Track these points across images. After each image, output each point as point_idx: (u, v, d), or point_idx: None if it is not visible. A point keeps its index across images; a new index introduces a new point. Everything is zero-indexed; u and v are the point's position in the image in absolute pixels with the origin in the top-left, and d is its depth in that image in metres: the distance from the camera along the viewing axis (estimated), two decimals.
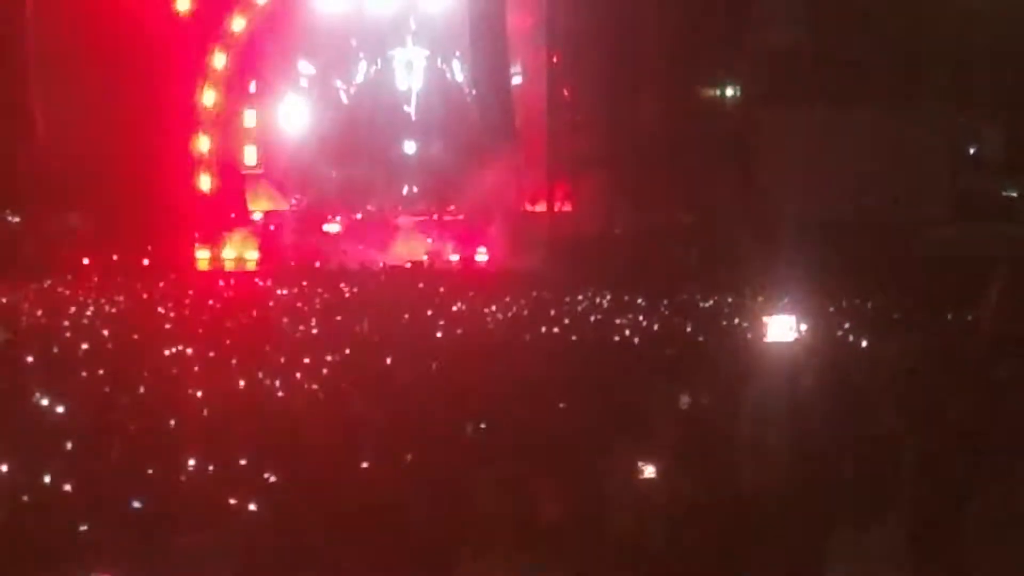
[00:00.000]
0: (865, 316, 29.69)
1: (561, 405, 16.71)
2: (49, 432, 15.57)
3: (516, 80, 48.99)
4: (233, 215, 49.66)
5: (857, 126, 42.95)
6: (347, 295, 37.29)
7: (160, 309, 32.61)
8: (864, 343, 24.48)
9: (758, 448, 13.97)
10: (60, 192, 46.11)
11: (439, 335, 26.64)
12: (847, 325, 27.34)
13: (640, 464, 12.96)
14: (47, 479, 13.21)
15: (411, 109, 51.05)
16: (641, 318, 30.17)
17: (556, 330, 27.93)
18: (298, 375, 20.16)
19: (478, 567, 11.01)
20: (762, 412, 15.22)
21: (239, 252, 48.97)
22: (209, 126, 48.99)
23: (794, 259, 32.38)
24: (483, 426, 15.31)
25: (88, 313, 31.30)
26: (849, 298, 32.02)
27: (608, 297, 34.74)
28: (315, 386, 19.35)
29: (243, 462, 13.76)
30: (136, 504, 12.27)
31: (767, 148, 44.04)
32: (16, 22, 46.39)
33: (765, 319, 22.88)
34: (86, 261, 45.64)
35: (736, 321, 28.83)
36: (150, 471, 13.52)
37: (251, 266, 48.09)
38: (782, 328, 22.35)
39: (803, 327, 22.82)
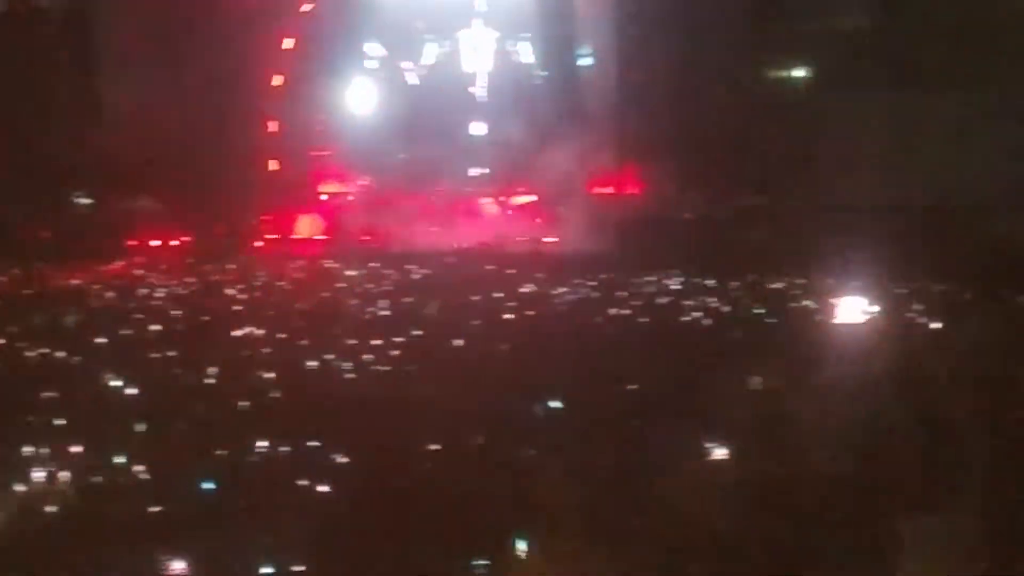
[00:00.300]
0: (934, 299, 29.40)
1: (631, 387, 16.68)
2: (119, 412, 15.67)
3: (585, 62, 48.89)
4: (302, 197, 49.83)
5: (927, 110, 42.57)
6: (416, 276, 37.29)
7: (229, 291, 32.73)
8: (934, 325, 24.24)
9: (827, 428, 13.93)
10: (131, 175, 46.41)
11: (509, 316, 26.60)
12: (917, 307, 27.08)
13: (709, 445, 12.96)
14: (118, 460, 13.30)
15: (479, 91, 51.03)
16: (711, 300, 30.02)
17: (626, 311, 27.85)
18: (368, 356, 20.20)
19: (547, 547, 11.02)
20: (832, 392, 15.18)
21: (308, 233, 49.13)
22: (278, 108, 49.18)
23: (863, 242, 32.17)
24: (558, 404, 15.30)
25: (158, 295, 31.49)
26: (919, 281, 31.71)
27: (678, 279, 34.58)
28: (386, 368, 19.39)
29: (314, 443, 13.81)
30: (208, 485, 12.36)
31: (836, 131, 43.75)
32: (86, 10, 46.81)
33: (835, 301, 22.80)
34: (155, 243, 45.95)
35: (805, 303, 28.63)
36: (220, 452, 13.61)
37: (320, 247, 48.20)
38: (852, 309, 22.29)
39: (873, 308, 22.72)
